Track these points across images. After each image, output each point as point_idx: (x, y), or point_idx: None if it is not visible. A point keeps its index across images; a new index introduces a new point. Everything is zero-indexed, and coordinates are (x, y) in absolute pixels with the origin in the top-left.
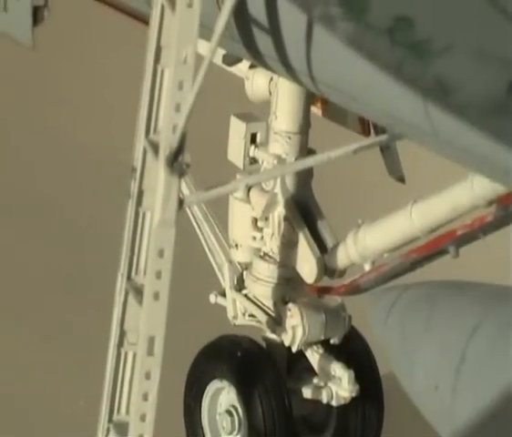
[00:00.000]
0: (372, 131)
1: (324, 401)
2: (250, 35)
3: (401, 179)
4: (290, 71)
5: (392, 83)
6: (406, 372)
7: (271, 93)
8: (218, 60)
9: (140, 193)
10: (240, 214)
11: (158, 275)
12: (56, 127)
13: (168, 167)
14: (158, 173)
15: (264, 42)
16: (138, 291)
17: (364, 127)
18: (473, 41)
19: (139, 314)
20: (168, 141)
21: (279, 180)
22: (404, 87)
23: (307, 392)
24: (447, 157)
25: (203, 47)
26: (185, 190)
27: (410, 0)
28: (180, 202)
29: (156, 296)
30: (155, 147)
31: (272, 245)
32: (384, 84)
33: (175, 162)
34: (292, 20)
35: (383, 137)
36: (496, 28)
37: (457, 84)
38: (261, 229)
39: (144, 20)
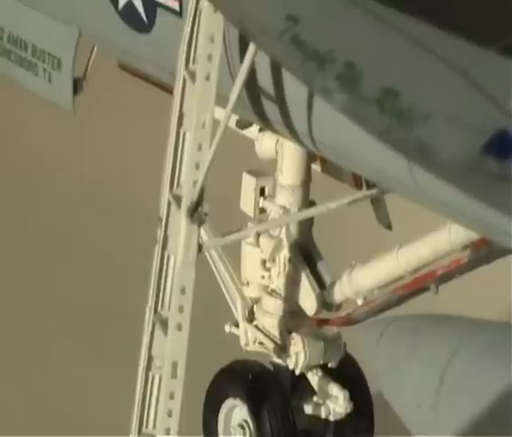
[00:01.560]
0: (363, 185)
1: (323, 416)
2: (259, 103)
3: (388, 227)
4: (293, 134)
5: (380, 145)
6: (393, 391)
7: (277, 152)
8: (232, 124)
9: (165, 239)
10: (251, 256)
11: (181, 309)
12: (95, 181)
13: (189, 217)
14: (180, 222)
15: (272, 109)
16: (164, 323)
17: (357, 181)
18: (450, 110)
19: (165, 342)
20: (189, 195)
21: (284, 227)
22: (390, 149)
23: (308, 409)
24: (429, 208)
25: (219, 113)
26: (204, 236)
27: (396, 74)
28: (200, 247)
29: (179, 327)
30: (178, 200)
31: (278, 282)
32: (374, 146)
33: (195, 213)
34: (296, 91)
35: (373, 191)
36: (470, 99)
37: (437, 146)
38: (268, 269)
39: (168, 89)
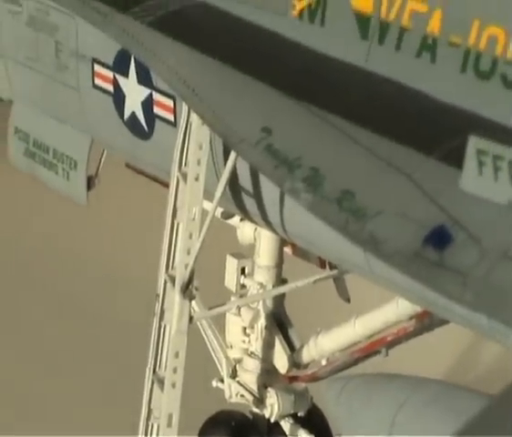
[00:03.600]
0: (327, 266)
1: None
2: (240, 199)
3: (347, 300)
4: (268, 224)
5: (340, 236)
6: (352, 435)
7: (255, 238)
8: (218, 214)
9: (162, 311)
10: (234, 324)
11: (175, 370)
12: (103, 263)
13: (181, 293)
14: (174, 298)
15: (250, 204)
16: (161, 381)
17: (322, 263)
18: (397, 208)
19: (161, 397)
20: (181, 276)
21: (261, 301)
22: (348, 239)
23: None
24: (381, 286)
25: (207, 205)
26: (195, 307)
27: (352, 178)
28: (191, 318)
29: (173, 385)
30: (172, 280)
31: (257, 346)
32: (334, 236)
33: (187, 290)
34: (270, 190)
35: (335, 271)
36: (414, 199)
37: (386, 238)
38: (248, 335)
39: (166, 184)
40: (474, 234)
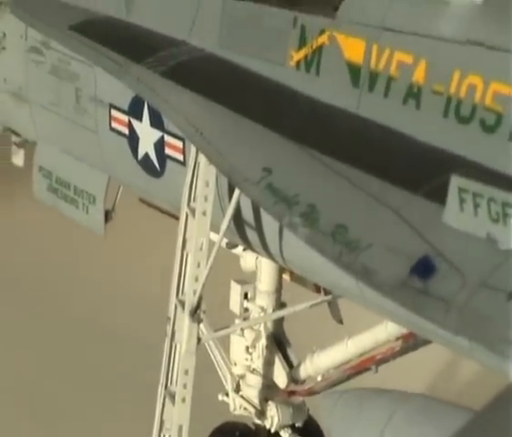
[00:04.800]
0: (322, 291)
1: None
2: (243, 231)
3: (340, 322)
4: (268, 254)
5: (334, 266)
6: None
7: (257, 266)
8: (223, 245)
9: (173, 333)
10: (238, 344)
11: (185, 386)
12: (119, 286)
13: (190, 317)
14: (184, 321)
15: (252, 236)
16: (172, 396)
17: (317, 288)
18: (386, 240)
19: (173, 411)
20: (190, 301)
21: (262, 323)
22: (342, 269)
23: None
24: (371, 310)
25: (214, 236)
26: (203, 328)
27: (345, 213)
28: (199, 339)
29: (183, 400)
30: (182, 304)
31: (258, 363)
32: (329, 266)
33: (195, 314)
34: (270, 224)
35: (329, 296)
36: (401, 232)
37: (376, 268)
38: (251, 353)
39: (176, 217)
40: (456, 265)
